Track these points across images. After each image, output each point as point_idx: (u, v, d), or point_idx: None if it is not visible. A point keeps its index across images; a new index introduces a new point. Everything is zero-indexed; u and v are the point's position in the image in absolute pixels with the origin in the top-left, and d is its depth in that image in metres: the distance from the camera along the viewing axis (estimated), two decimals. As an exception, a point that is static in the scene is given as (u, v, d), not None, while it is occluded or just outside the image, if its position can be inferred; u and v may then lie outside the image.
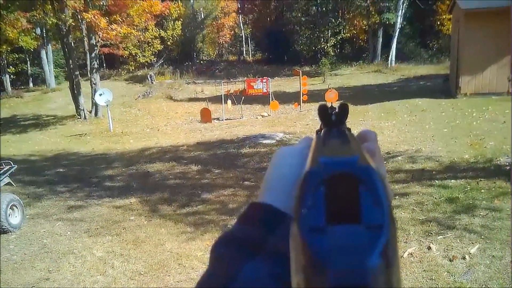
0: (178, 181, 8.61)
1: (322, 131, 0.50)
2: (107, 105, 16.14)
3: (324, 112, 0.49)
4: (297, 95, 16.81)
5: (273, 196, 0.48)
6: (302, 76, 16.32)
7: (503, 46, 13.51)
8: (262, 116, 16.37)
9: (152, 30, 29.87)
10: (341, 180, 0.30)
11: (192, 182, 8.38)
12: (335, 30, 33.35)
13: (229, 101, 16.49)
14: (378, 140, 0.50)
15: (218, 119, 16.46)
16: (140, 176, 9.18)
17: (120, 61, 32.59)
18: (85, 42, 19.96)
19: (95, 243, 5.78)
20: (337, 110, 0.49)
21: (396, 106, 14.88)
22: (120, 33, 19.80)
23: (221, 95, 16.60)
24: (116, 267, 5.02)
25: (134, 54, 31.13)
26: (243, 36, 42.03)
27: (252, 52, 42.90)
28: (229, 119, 16.27)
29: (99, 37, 19.52)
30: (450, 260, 4.39)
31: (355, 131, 0.52)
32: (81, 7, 17.70)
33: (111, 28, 19.12)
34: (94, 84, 18.83)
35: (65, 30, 18.25)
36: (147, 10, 21.14)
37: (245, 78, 20.66)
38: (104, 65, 33.65)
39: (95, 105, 18.70)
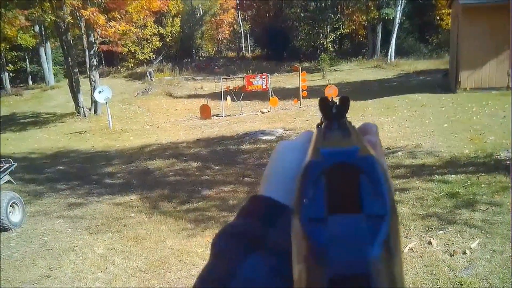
0: (178, 177, 8.62)
1: (323, 124, 0.50)
2: (106, 103, 16.13)
3: (324, 105, 0.48)
4: (296, 91, 16.80)
5: (273, 190, 0.47)
6: (301, 72, 16.30)
7: (502, 41, 13.49)
8: (262, 112, 16.36)
9: (151, 27, 29.88)
10: (342, 170, 0.30)
11: (192, 179, 8.38)
12: (334, 26, 33.31)
13: (228, 98, 16.48)
14: (379, 136, 0.50)
15: (217, 115, 16.46)
16: (140, 173, 9.18)
17: (119, 58, 32.56)
18: (84, 39, 19.94)
19: (96, 240, 5.78)
20: (337, 104, 0.49)
21: (395, 101, 14.87)
22: (119, 30, 19.79)
23: (221, 91, 16.59)
24: (117, 264, 5.02)
25: (133, 51, 31.11)
26: (242, 33, 41.94)
27: (251, 48, 42.85)
28: (229, 115, 16.26)
29: (98, 34, 19.49)
30: (451, 255, 4.39)
31: (355, 125, 0.51)
32: (80, 5, 17.69)
33: (110, 25, 19.11)
34: (93, 81, 18.82)
35: (63, 27, 18.22)
36: (145, 7, 21.13)
37: (245, 74, 20.64)
38: (103, 62, 33.59)
39: (94, 102, 18.70)
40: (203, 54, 40.00)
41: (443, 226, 5.06)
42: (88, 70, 19.73)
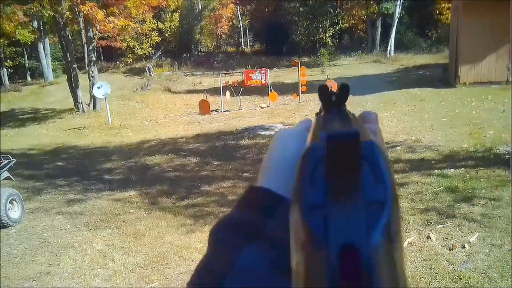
0: (177, 173, 8.62)
1: (322, 112, 0.49)
2: (105, 98, 16.12)
3: (324, 93, 0.48)
4: (296, 86, 16.78)
5: (272, 180, 0.47)
6: (300, 66, 16.29)
7: (502, 35, 13.47)
8: (261, 107, 16.35)
9: (149, 22, 29.78)
10: (340, 154, 0.29)
11: (191, 174, 8.38)
12: (334, 21, 33.23)
13: (227, 93, 16.47)
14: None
15: (216, 110, 16.46)
16: (139, 169, 9.18)
17: (118, 53, 32.48)
18: (83, 35, 19.85)
19: (95, 236, 5.78)
20: (337, 91, 0.48)
21: (395, 96, 14.86)
22: (117, 25, 19.75)
23: (220, 86, 16.57)
24: (116, 260, 5.02)
25: (132, 47, 31.03)
26: (241, 27, 41.83)
27: (251, 43, 42.78)
28: (228, 110, 16.26)
29: (97, 29, 19.46)
30: (450, 249, 4.40)
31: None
32: (78, 0, 17.62)
33: (109, 21, 19.08)
34: (92, 77, 18.78)
35: (62, 23, 18.19)
36: (144, 2, 21.10)
37: (244, 69, 20.61)
38: (102, 57, 33.53)
39: (93, 98, 18.67)
40: (202, 49, 39.93)
41: (442, 220, 5.07)
42: (86, 66, 19.68)
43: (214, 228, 0.46)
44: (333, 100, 0.47)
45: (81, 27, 19.51)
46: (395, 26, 28.42)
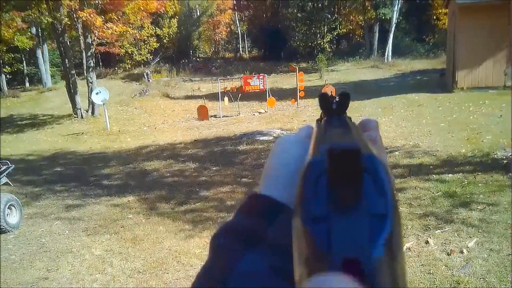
0: (175, 179, 8.61)
1: (323, 119, 0.50)
2: (103, 104, 16.12)
3: (325, 101, 0.49)
4: (294, 92, 16.81)
5: (273, 187, 0.47)
6: (298, 72, 16.33)
7: (499, 40, 13.54)
8: (259, 112, 16.37)
9: (148, 28, 29.83)
10: (342, 167, 0.29)
11: (190, 180, 8.38)
12: (331, 26, 33.34)
13: (226, 98, 16.49)
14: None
15: (215, 116, 16.47)
16: (137, 174, 9.17)
17: (116, 59, 32.53)
18: (81, 41, 19.89)
19: (94, 242, 5.77)
20: (337, 99, 0.49)
21: (393, 101, 14.90)
22: (116, 31, 19.79)
23: (218, 92, 16.59)
24: (115, 265, 5.02)
25: (130, 53, 31.08)
26: (239, 33, 41.97)
27: (249, 49, 42.89)
28: (226, 116, 16.27)
29: (95, 35, 19.48)
30: (448, 254, 4.40)
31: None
32: (76, 6, 17.69)
33: (107, 27, 19.12)
34: (91, 83, 18.81)
35: (60, 29, 18.21)
36: (142, 8, 21.12)
37: (242, 75, 20.64)
38: (100, 63, 33.56)
39: (91, 104, 18.67)
40: (200, 55, 40.04)
41: (440, 226, 5.07)
42: (85, 72, 19.70)
43: (215, 234, 0.46)
44: (333, 108, 0.48)
45: (80, 33, 19.55)
46: (392, 32, 28.53)
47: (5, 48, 25.87)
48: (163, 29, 33.79)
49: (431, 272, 4.10)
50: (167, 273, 4.72)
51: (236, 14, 41.00)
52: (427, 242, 4.67)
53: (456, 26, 14.99)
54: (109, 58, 32.88)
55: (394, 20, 28.36)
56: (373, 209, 0.28)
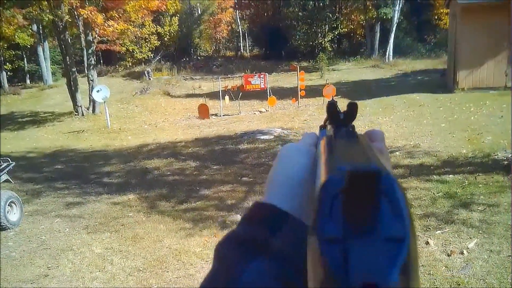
0: (176, 177, 8.62)
1: (330, 129, 0.50)
2: (104, 102, 16.13)
3: (333, 110, 0.49)
4: (294, 91, 16.81)
5: (277, 196, 0.47)
6: (299, 71, 16.32)
7: (500, 41, 13.53)
8: (260, 111, 16.37)
9: (149, 26, 29.86)
10: (359, 188, 0.29)
11: (191, 178, 8.39)
12: (333, 25, 33.31)
13: (226, 97, 16.48)
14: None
15: (216, 115, 16.47)
16: (138, 173, 9.18)
17: (117, 57, 32.50)
18: (82, 38, 19.87)
19: (94, 240, 5.78)
20: (345, 110, 0.49)
21: (394, 101, 14.90)
22: (117, 29, 19.76)
23: (219, 91, 16.59)
24: (115, 263, 5.02)
25: (131, 50, 31.07)
26: (240, 32, 41.92)
27: (250, 48, 42.84)
28: (227, 115, 16.27)
29: (96, 33, 19.47)
30: (448, 255, 4.40)
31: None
32: (78, 3, 17.65)
33: (108, 25, 19.11)
34: (92, 80, 18.80)
35: (61, 26, 18.20)
36: (143, 6, 21.08)
37: (243, 73, 20.63)
38: (101, 61, 33.58)
39: (92, 101, 18.67)
40: (201, 53, 39.96)
41: (440, 226, 5.08)
42: (86, 69, 19.70)
43: (219, 243, 0.46)
44: (341, 118, 0.48)
45: (81, 30, 19.53)
46: (393, 31, 28.49)
47: (6, 45, 25.90)
48: (164, 27, 33.77)
49: (431, 273, 4.10)
50: (167, 271, 4.73)
51: (237, 13, 40.95)
52: (427, 243, 4.68)
53: (457, 26, 14.98)
54: (110, 56, 32.86)
55: (395, 20, 28.33)
56: (390, 232, 0.27)
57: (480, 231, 4.83)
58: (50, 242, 5.86)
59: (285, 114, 14.97)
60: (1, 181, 6.85)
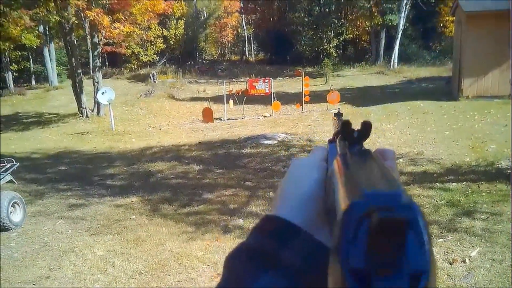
0: (179, 180, 8.63)
1: (341, 145, 0.50)
2: (109, 104, 16.17)
3: (347, 128, 0.49)
4: (299, 96, 16.83)
5: (288, 210, 0.48)
6: (304, 76, 16.33)
7: (505, 49, 13.50)
8: (264, 116, 16.38)
9: (155, 29, 29.92)
10: (387, 220, 0.28)
11: (194, 182, 8.39)
12: (338, 31, 33.37)
13: (231, 101, 16.51)
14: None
15: (220, 119, 16.49)
16: (141, 175, 9.19)
17: (123, 59, 32.62)
18: (88, 40, 19.98)
19: (96, 242, 5.79)
20: (359, 128, 0.49)
21: (398, 108, 14.89)
22: (123, 31, 19.87)
23: (223, 95, 16.61)
24: (117, 266, 5.03)
25: (136, 53, 31.16)
26: (246, 36, 42.02)
27: (255, 52, 42.92)
28: (231, 119, 16.29)
29: (102, 35, 19.57)
30: (450, 263, 4.39)
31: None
32: (84, 5, 17.74)
33: (114, 27, 19.21)
34: (97, 82, 18.88)
35: (68, 28, 18.29)
36: (150, 9, 21.19)
37: (248, 78, 20.67)
38: (107, 63, 33.70)
39: (97, 103, 18.73)
40: (207, 57, 40.11)
41: (443, 234, 5.06)
42: (91, 71, 19.78)
43: (229, 255, 0.47)
44: (355, 136, 0.49)
45: (87, 32, 19.64)
46: (399, 38, 28.50)
47: (12, 46, 25.96)
48: (170, 30, 33.88)
49: (433, 281, 4.08)
50: (169, 275, 4.73)
51: (243, 17, 41.06)
52: (429, 251, 4.66)
53: (463, 34, 14.97)
54: (115, 58, 32.99)
55: (401, 27, 28.34)
56: (414, 265, 0.27)
57: (483, 240, 4.82)
58: (53, 244, 5.87)
59: (289, 119, 14.98)
60: (5, 182, 6.88)
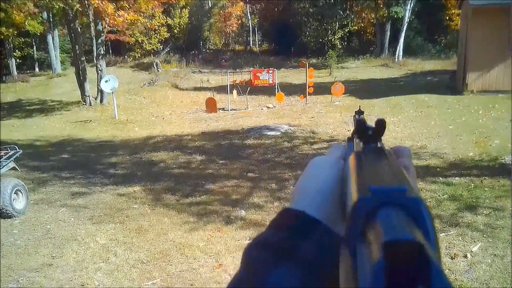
0: (182, 170, 8.64)
1: (358, 143, 0.51)
2: (112, 92, 16.16)
3: (362, 127, 0.50)
4: (303, 87, 16.78)
5: (306, 203, 0.49)
6: (308, 68, 16.27)
7: (510, 44, 13.42)
8: (268, 107, 16.35)
9: (159, 18, 29.84)
10: (396, 220, 0.29)
11: (196, 172, 8.40)
12: (343, 23, 33.22)
13: (234, 92, 16.48)
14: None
15: (223, 109, 16.46)
16: (144, 165, 9.20)
17: (126, 48, 32.54)
18: (92, 28, 19.94)
19: (99, 230, 5.81)
20: (374, 126, 0.50)
21: (402, 101, 14.85)
22: (127, 19, 19.80)
23: (227, 85, 16.58)
24: (119, 255, 5.05)
25: (140, 41, 31.11)
26: (250, 26, 41.84)
27: (259, 43, 42.74)
28: (235, 109, 16.26)
29: (106, 23, 19.50)
30: (452, 258, 4.40)
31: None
32: (89, -7, 17.68)
33: (118, 15, 19.12)
34: (100, 70, 18.83)
35: (72, 15, 18.23)
36: (154, -3, 21.11)
37: (251, 68, 20.61)
38: (110, 51, 33.62)
39: (100, 91, 18.73)
40: (211, 47, 39.98)
41: (445, 229, 5.07)
42: (95, 59, 19.74)
43: (247, 247, 0.47)
44: (370, 135, 0.49)
45: (91, 20, 19.58)
46: (404, 31, 28.34)
47: (16, 32, 25.92)
48: (174, 19, 33.77)
49: (434, 275, 4.09)
50: (170, 264, 4.75)
51: (247, 7, 40.87)
52: (431, 245, 4.66)
53: (468, 27, 14.89)
54: (119, 46, 32.92)
55: (406, 19, 28.17)
56: None
57: (485, 235, 4.82)
58: (55, 231, 5.89)
59: (292, 111, 14.95)
60: (8, 169, 6.90)
